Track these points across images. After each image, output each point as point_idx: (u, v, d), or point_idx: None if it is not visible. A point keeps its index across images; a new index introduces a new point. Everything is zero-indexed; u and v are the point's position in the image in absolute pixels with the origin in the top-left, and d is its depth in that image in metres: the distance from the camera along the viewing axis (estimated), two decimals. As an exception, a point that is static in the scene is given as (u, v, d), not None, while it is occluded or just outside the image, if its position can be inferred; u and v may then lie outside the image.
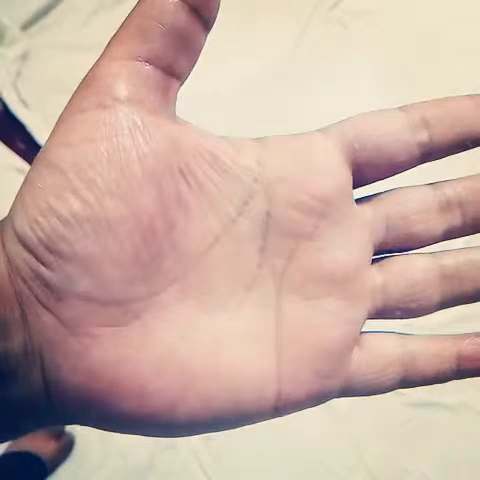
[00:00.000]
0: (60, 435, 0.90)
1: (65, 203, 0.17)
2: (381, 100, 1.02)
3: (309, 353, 0.20)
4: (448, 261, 0.22)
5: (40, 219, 0.17)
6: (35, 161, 0.17)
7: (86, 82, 0.18)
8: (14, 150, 0.97)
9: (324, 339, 0.20)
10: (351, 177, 0.21)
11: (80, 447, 0.91)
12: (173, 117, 0.19)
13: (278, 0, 1.10)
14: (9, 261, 0.17)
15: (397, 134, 0.20)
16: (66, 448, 0.90)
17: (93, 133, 0.17)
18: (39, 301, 0.17)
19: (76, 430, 0.92)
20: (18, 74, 1.00)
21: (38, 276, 0.17)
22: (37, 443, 0.85)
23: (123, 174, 0.17)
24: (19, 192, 0.17)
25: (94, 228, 0.17)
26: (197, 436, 0.84)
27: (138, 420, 0.18)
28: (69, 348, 0.17)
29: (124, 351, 0.18)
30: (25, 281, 0.17)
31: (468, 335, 0.22)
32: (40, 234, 0.17)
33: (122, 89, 0.17)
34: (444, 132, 0.20)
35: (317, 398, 0.20)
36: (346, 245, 0.20)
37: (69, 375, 0.17)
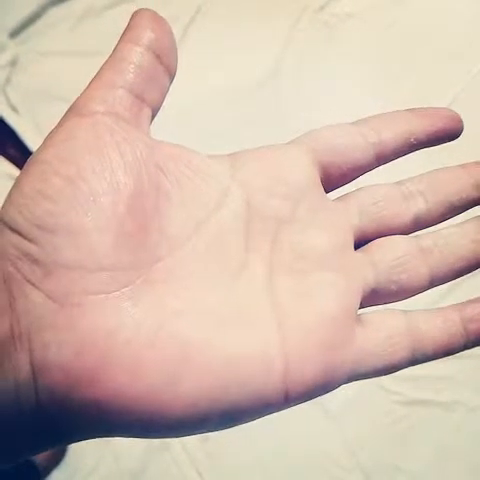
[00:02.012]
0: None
1: (49, 183, 0.18)
2: (368, 102, 1.03)
3: (311, 324, 0.20)
4: (425, 239, 0.24)
5: (27, 202, 0.18)
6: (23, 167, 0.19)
7: (71, 105, 0.20)
8: (5, 156, 0.97)
9: (323, 309, 0.21)
10: (318, 175, 0.23)
11: (74, 451, 0.91)
12: (148, 134, 0.21)
13: (264, 5, 1.11)
14: None
15: (352, 138, 0.24)
16: (59, 452, 0.90)
17: (73, 133, 0.19)
18: (27, 280, 0.17)
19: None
20: (7, 81, 1.00)
21: (26, 254, 0.17)
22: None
23: (103, 157, 0.19)
24: (8, 194, 0.18)
25: (79, 200, 0.18)
26: (192, 438, 0.83)
27: (133, 402, 0.17)
28: (57, 322, 0.17)
29: (114, 320, 0.17)
30: (13, 263, 0.17)
31: (469, 300, 0.23)
32: (27, 215, 0.17)
33: (98, 105, 0.20)
34: (390, 133, 0.24)
35: (329, 372, 0.20)
36: (325, 226, 0.23)
37: (57, 351, 0.17)
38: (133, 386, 0.17)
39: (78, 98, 0.20)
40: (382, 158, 0.24)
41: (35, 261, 0.17)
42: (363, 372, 0.22)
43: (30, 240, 0.17)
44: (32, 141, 0.97)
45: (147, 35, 0.21)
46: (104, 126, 0.19)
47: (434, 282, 0.24)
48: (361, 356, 0.21)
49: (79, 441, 0.19)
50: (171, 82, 0.22)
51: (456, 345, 0.23)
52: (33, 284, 0.17)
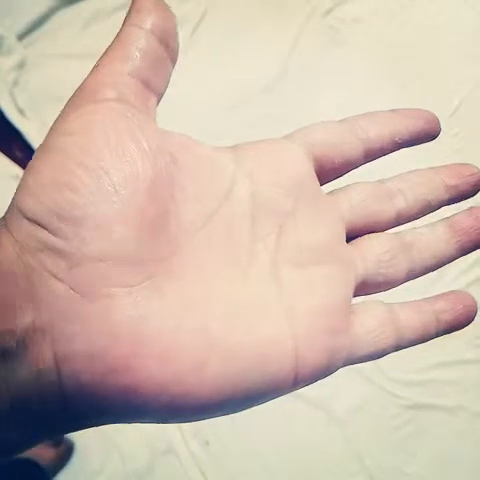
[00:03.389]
0: (59, 442, 0.90)
1: (71, 173, 0.18)
2: (374, 106, 1.02)
3: (315, 312, 0.22)
4: (405, 236, 0.26)
5: (48, 192, 0.18)
6: (34, 154, 0.19)
7: (79, 90, 0.20)
8: (12, 158, 0.98)
9: (324, 299, 0.22)
10: (312, 167, 0.24)
11: (80, 453, 0.91)
12: (156, 123, 0.21)
13: (271, 9, 1.11)
14: (17, 242, 0.17)
15: (343, 134, 0.25)
16: (65, 454, 0.90)
17: (90, 121, 0.19)
18: (50, 272, 0.17)
19: (75, 436, 0.92)
20: (15, 83, 1.00)
21: (48, 247, 0.17)
22: (36, 450, 0.85)
23: (121, 146, 0.19)
24: (21, 181, 0.18)
25: (101, 191, 0.18)
26: (196, 440, 0.83)
27: (162, 388, 0.18)
28: (85, 315, 0.17)
29: (141, 311, 0.18)
30: (34, 255, 0.17)
31: (438, 295, 0.26)
32: (49, 205, 0.17)
33: (111, 91, 0.20)
34: (377, 132, 0.25)
35: (332, 355, 0.22)
36: (322, 220, 0.24)
37: (86, 342, 0.17)
38: (162, 373, 0.18)
39: (86, 83, 0.20)
40: (370, 155, 0.26)
41: (59, 254, 0.17)
42: (357, 357, 0.23)
43: (53, 232, 0.17)
44: (39, 143, 0.97)
45: (151, 19, 0.21)
46: (119, 114, 0.19)
47: (410, 276, 0.26)
48: (355, 342, 0.23)
49: (104, 424, 0.19)
50: (173, 68, 0.22)
51: (429, 333, 0.25)
52: (56, 277, 0.17)
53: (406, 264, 0.25)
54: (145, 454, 0.92)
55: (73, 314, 0.17)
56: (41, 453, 0.86)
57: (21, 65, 1.01)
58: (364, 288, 0.25)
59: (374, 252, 0.25)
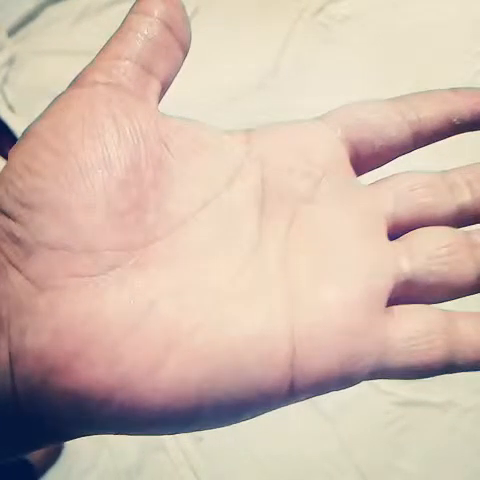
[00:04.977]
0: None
1: (37, 157, 0.17)
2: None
3: (328, 307, 0.18)
4: (474, 234, 0.21)
5: (14, 179, 0.17)
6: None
7: (72, 80, 0.19)
8: (2, 156, 0.97)
9: (344, 293, 0.18)
10: (347, 153, 0.21)
11: (70, 450, 0.91)
12: (155, 108, 0.20)
13: (262, 7, 1.11)
14: None
15: (387, 113, 0.21)
16: (55, 451, 0.89)
17: (69, 103, 0.18)
18: (9, 261, 0.16)
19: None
20: (4, 80, 1.00)
21: (9, 234, 0.16)
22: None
23: (97, 131, 0.17)
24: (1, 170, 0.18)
25: (66, 175, 0.17)
26: (188, 437, 0.82)
27: (109, 393, 0.16)
28: (36, 306, 0.16)
29: (95, 305, 0.16)
30: None
31: None
32: (13, 192, 0.16)
33: (100, 75, 0.19)
34: (430, 111, 0.21)
35: (348, 361, 0.18)
36: (350, 209, 0.20)
37: (33, 337, 0.15)
38: (109, 375, 0.16)
39: (83, 70, 0.19)
40: (420, 139, 0.22)
41: (17, 241, 0.16)
42: (390, 369, 0.19)
43: (14, 219, 0.16)
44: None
45: (158, 6, 0.20)
46: (102, 97, 0.18)
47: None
48: (389, 349, 0.18)
49: (61, 441, 0.17)
50: (185, 57, 0.21)
51: None
52: (15, 266, 0.16)
53: (473, 265, 0.20)
54: (136, 451, 0.91)
55: (25, 306, 0.16)
56: (31, 451, 0.85)
57: (11, 61, 1.00)
58: (411, 291, 0.20)
59: (426, 247, 0.20)
